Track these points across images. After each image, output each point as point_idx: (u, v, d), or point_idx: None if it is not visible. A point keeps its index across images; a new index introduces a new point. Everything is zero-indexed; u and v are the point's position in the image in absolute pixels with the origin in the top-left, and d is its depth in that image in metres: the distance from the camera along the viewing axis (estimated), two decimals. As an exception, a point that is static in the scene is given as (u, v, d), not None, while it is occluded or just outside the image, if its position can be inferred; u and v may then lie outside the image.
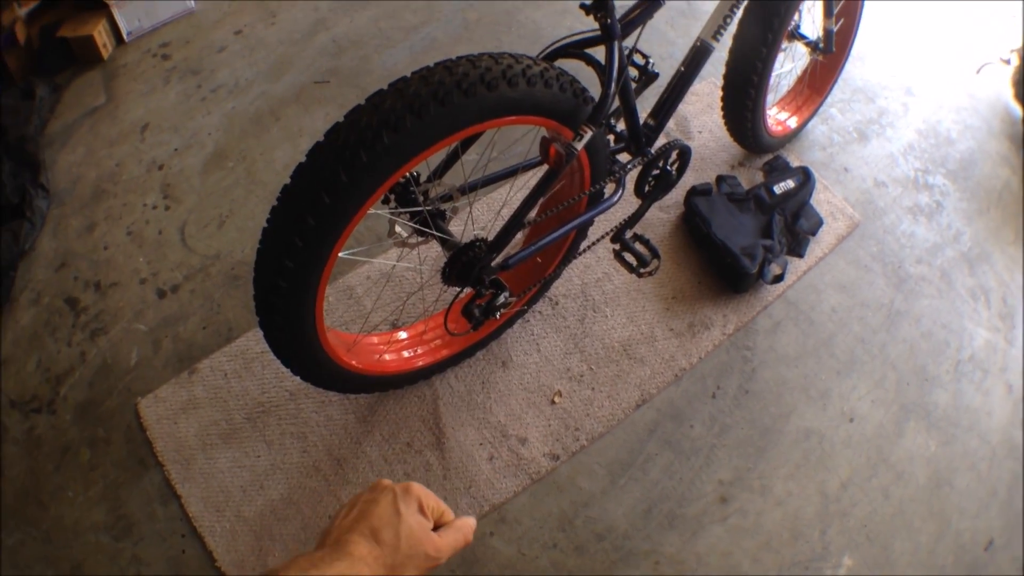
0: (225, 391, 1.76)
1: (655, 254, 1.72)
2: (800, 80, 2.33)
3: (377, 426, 1.73)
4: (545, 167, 1.38)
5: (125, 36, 2.38)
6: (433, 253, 1.94)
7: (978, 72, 2.76)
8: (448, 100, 1.12)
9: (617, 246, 1.74)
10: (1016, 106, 2.67)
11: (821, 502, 1.78)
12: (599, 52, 1.38)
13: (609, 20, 1.30)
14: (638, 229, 2.04)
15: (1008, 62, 2.68)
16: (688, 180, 2.17)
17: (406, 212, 1.39)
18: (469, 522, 0.77)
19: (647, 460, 1.76)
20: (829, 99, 2.42)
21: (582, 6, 1.31)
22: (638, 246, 1.73)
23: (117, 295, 1.88)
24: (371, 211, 1.25)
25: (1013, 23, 2.87)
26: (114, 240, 1.98)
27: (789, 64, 2.24)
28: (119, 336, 1.82)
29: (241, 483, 1.65)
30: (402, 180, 1.34)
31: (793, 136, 2.35)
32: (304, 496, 1.64)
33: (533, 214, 1.48)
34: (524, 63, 1.21)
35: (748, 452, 1.81)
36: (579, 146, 1.31)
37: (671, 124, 2.36)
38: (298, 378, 1.47)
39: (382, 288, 1.91)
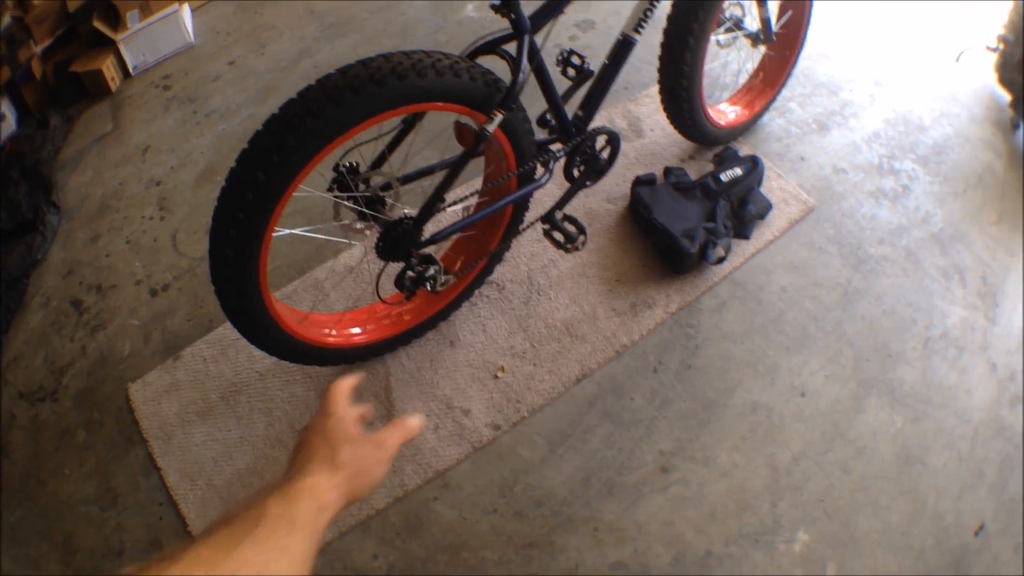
0: (203, 374, 2.05)
1: (582, 231, 1.95)
2: (753, 75, 2.53)
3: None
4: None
5: (131, 70, 2.81)
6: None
7: (957, 60, 2.88)
8: (362, 89, 1.39)
9: (547, 226, 1.97)
10: (1002, 91, 2.77)
11: (770, 475, 1.89)
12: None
13: (515, 16, 1.55)
14: (581, 216, 2.29)
15: (993, 49, 2.79)
16: (637, 172, 2.39)
17: (341, 198, 1.65)
18: (410, 420, 0.90)
19: (586, 431, 1.94)
20: (788, 93, 2.62)
21: (492, 6, 1.56)
22: (566, 225, 1.96)
23: (115, 295, 2.22)
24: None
25: (997, 10, 2.96)
26: (115, 248, 2.34)
27: (740, 61, 2.45)
28: (115, 331, 2.15)
29: (213, 455, 1.92)
30: (343, 169, 1.60)
31: (744, 128, 2.54)
32: (267, 465, 1.90)
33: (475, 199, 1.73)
34: (435, 57, 1.47)
35: (690, 424, 1.96)
36: (491, 128, 1.56)
37: (623, 123, 2.60)
38: (264, 356, 1.74)
39: (342, 278, 2.19)
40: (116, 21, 2.77)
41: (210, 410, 1.99)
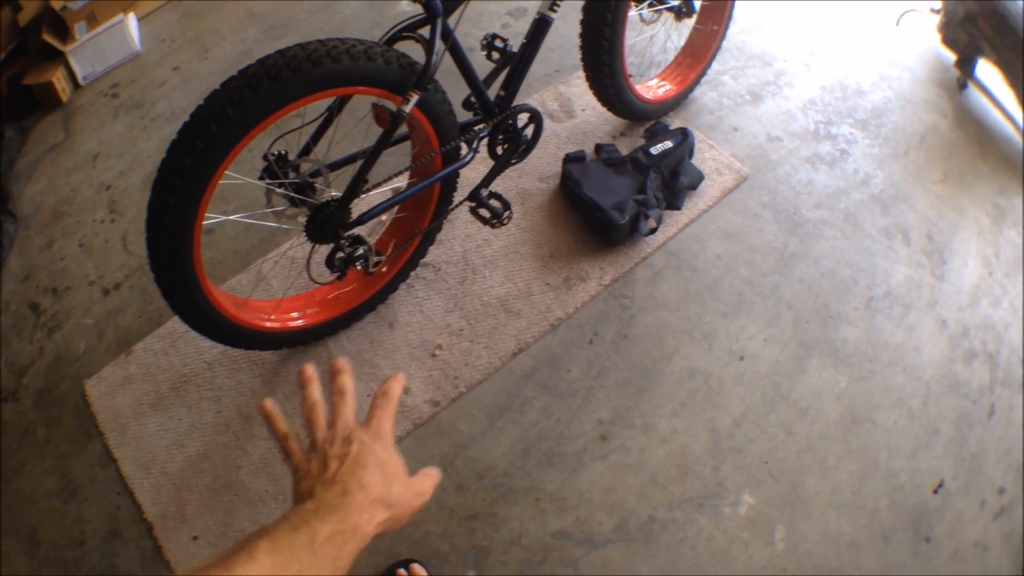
0: (155, 367, 2.13)
1: (507, 206, 2.03)
2: (681, 50, 2.60)
3: (279, 385, 2.06)
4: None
5: (81, 80, 2.90)
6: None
7: (898, 24, 2.94)
8: (279, 76, 1.47)
9: (473, 203, 2.05)
10: (946, 52, 2.82)
11: (711, 439, 1.96)
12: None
13: (426, 0, 1.63)
14: (514, 195, 2.37)
15: (936, 10, 2.84)
16: (569, 151, 2.46)
17: (273, 185, 1.72)
18: (433, 472, 0.84)
19: (524, 403, 2.01)
20: (721, 67, 2.69)
21: None
22: (492, 201, 2.03)
23: (70, 297, 2.30)
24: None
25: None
26: (69, 252, 2.42)
27: (672, 36, 2.51)
28: (71, 330, 2.23)
29: (166, 444, 2.00)
30: (273, 156, 1.68)
31: (674, 103, 2.61)
32: (217, 451, 1.97)
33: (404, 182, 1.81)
34: (349, 43, 1.55)
35: (628, 392, 2.03)
36: (407, 108, 1.63)
37: (555, 105, 2.67)
38: (212, 346, 1.82)
39: (287, 268, 2.25)
40: (65, 33, 2.85)
41: (161, 401, 2.07)
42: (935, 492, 1.94)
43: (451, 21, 1.72)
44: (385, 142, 1.69)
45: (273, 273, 2.25)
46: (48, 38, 2.81)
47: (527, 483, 1.89)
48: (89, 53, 2.88)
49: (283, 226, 1.82)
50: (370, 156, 1.70)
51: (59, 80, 2.81)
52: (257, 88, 1.46)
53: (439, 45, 1.66)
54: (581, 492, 1.88)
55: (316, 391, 0.87)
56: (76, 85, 2.92)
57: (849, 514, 1.88)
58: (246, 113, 1.47)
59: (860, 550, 1.84)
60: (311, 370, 0.89)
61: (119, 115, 2.82)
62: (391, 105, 1.67)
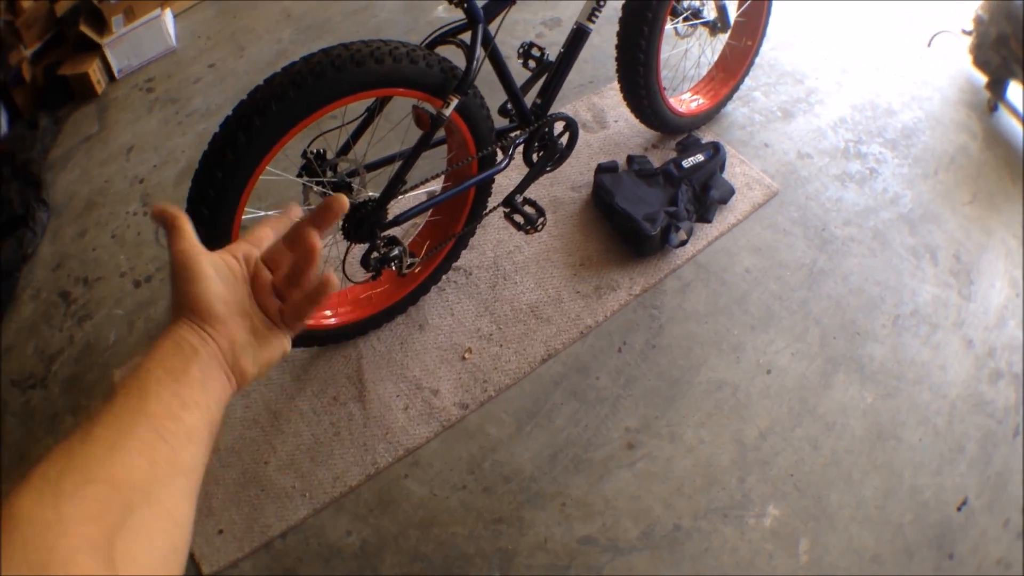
0: (183, 359, 2.16)
1: (541, 213, 2.06)
2: (715, 65, 2.64)
3: (308, 383, 2.08)
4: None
5: (116, 73, 2.95)
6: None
7: (929, 45, 2.97)
8: (323, 75, 1.50)
9: (507, 209, 2.08)
10: (977, 73, 2.85)
11: (737, 450, 1.97)
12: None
13: (468, 5, 1.67)
14: (546, 203, 2.39)
15: (969, 32, 2.88)
16: (600, 161, 2.49)
17: (312, 183, 1.75)
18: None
19: (552, 409, 2.03)
20: (752, 83, 2.73)
21: None
22: (526, 208, 2.07)
23: (101, 287, 2.34)
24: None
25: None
26: (101, 243, 2.46)
27: (705, 51, 2.55)
28: (101, 320, 2.26)
29: (192, 435, 2.03)
30: (311, 155, 1.71)
31: (707, 117, 2.64)
32: (244, 445, 2.00)
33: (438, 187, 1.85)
34: (392, 45, 1.58)
35: (656, 401, 2.04)
36: (447, 112, 1.67)
37: (588, 115, 2.70)
38: None
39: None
40: (102, 26, 2.91)
41: (189, 393, 2.10)
42: (959, 509, 1.95)
43: (491, 28, 1.76)
44: (424, 144, 1.73)
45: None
46: (85, 29, 2.86)
47: (554, 488, 1.90)
48: (125, 46, 2.93)
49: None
50: (409, 157, 1.74)
51: (95, 72, 2.86)
52: (301, 85, 1.49)
53: (480, 51, 1.71)
54: (607, 499, 1.89)
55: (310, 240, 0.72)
56: (111, 78, 2.97)
57: (873, 529, 1.89)
58: (290, 109, 1.51)
59: (883, 565, 1.85)
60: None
61: (154, 109, 2.86)
62: (431, 108, 1.72)
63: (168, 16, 3.08)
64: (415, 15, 3.18)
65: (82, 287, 2.34)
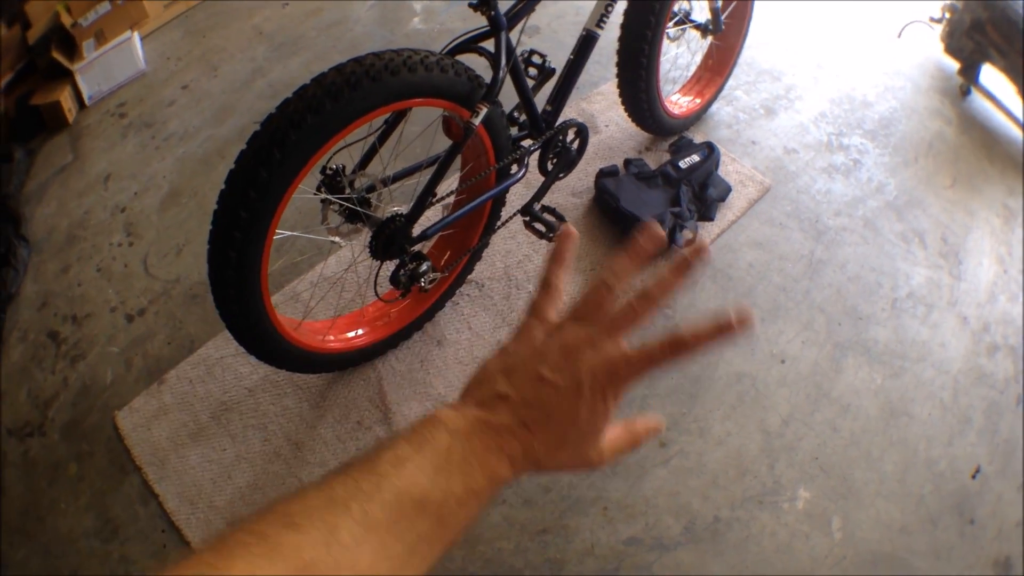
0: (191, 396, 2.10)
1: (561, 219, 2.09)
2: (701, 65, 2.72)
3: (329, 410, 2.05)
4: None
5: (87, 100, 2.85)
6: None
7: (899, 36, 3.15)
8: (358, 85, 1.48)
9: (527, 218, 2.11)
10: (948, 60, 3.04)
11: (763, 439, 2.04)
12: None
13: (494, 13, 1.67)
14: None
15: (938, 20, 3.06)
16: (598, 167, 2.54)
17: (336, 200, 1.71)
18: (645, 424, 0.69)
19: (582, 414, 2.05)
20: (733, 83, 2.83)
21: (470, 5, 1.67)
22: (545, 215, 2.09)
23: (92, 324, 2.25)
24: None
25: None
26: (86, 277, 2.36)
27: (688, 53, 2.64)
28: (95, 359, 2.18)
29: (211, 476, 1.96)
30: (330, 171, 1.68)
31: (696, 118, 2.72)
32: (268, 480, 1.95)
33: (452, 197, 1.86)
34: (422, 54, 1.57)
35: (680, 399, 2.09)
36: (476, 122, 1.67)
37: (581, 120, 2.74)
38: (252, 371, 1.80)
39: (326, 291, 2.26)
40: (73, 51, 2.83)
41: (202, 431, 2.04)
42: (973, 477, 2.07)
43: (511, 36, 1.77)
44: (455, 154, 1.73)
45: (308, 293, 2.25)
46: (57, 56, 2.77)
47: (593, 493, 1.93)
48: (96, 71, 2.85)
49: (339, 242, 1.85)
50: (438, 169, 1.73)
51: (66, 100, 2.76)
52: (337, 96, 1.46)
53: (504, 59, 1.73)
54: (647, 498, 1.93)
55: (629, 271, 0.66)
56: (81, 105, 2.87)
57: (897, 501, 1.99)
58: (325, 122, 1.48)
59: (911, 534, 1.95)
60: (573, 240, 0.71)
61: (128, 135, 2.78)
62: (459, 118, 1.72)
63: (136, 39, 3.00)
64: (391, 27, 3.18)
65: (71, 325, 2.26)
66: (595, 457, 0.63)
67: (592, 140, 2.67)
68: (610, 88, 2.82)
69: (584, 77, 2.85)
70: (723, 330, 0.61)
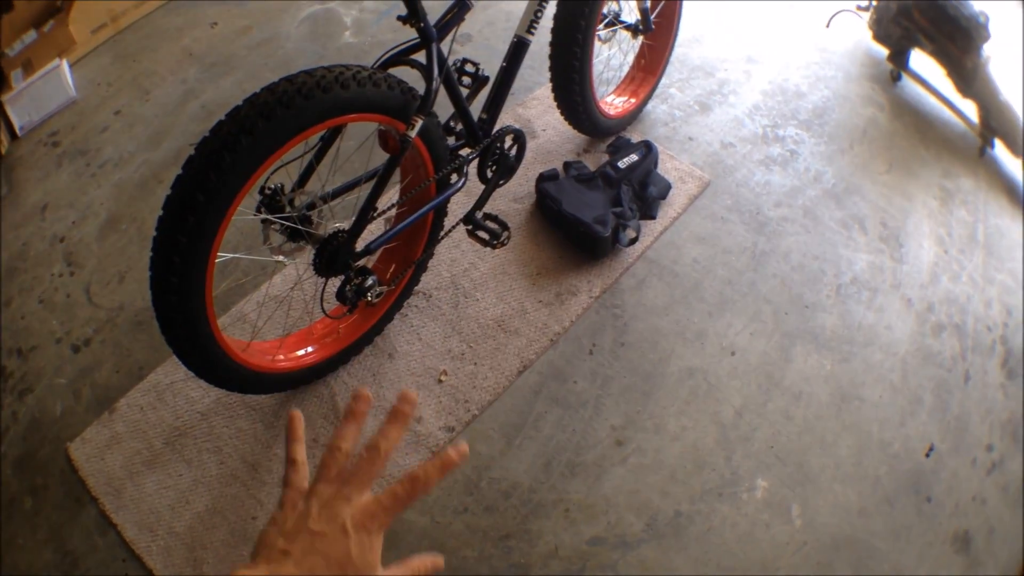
0: (143, 423, 2.09)
1: (504, 227, 2.12)
2: (634, 65, 2.78)
3: (283, 429, 2.02)
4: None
5: (18, 131, 2.81)
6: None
7: (828, 25, 3.25)
8: (291, 104, 1.49)
9: (470, 226, 2.14)
10: (877, 47, 3.14)
11: (718, 432, 2.10)
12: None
13: (423, 25, 1.69)
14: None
15: (864, 8, 3.16)
16: (538, 171, 2.58)
17: (276, 219, 1.71)
18: (423, 561, 0.79)
19: (538, 419, 2.08)
20: (667, 80, 2.90)
21: (399, 18, 1.69)
22: (488, 223, 2.13)
23: (37, 357, 2.22)
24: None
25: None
26: (29, 309, 2.34)
27: (620, 54, 2.69)
28: (43, 392, 2.15)
29: (168, 502, 1.95)
30: (269, 191, 1.69)
31: (632, 117, 2.78)
32: (227, 503, 1.95)
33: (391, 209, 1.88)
34: (354, 70, 1.59)
35: (634, 397, 2.14)
36: (412, 134, 1.69)
37: (518, 126, 2.79)
38: (204, 395, 1.80)
39: (273, 310, 2.26)
40: (1, 82, 2.79)
41: (156, 458, 2.03)
42: (927, 455, 2.14)
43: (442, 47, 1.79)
44: (393, 168, 1.74)
45: (256, 313, 2.25)
46: (-14, 88, 2.73)
47: (554, 496, 1.96)
48: (26, 101, 2.81)
49: (284, 260, 1.86)
50: (377, 184, 1.75)
51: (-2, 132, 2.74)
52: (270, 116, 1.48)
53: (436, 70, 1.76)
54: (607, 497, 1.97)
55: (353, 435, 0.80)
56: (13, 136, 2.83)
57: (854, 485, 2.06)
58: (260, 142, 1.49)
59: (869, 516, 2.01)
60: (364, 404, 0.82)
61: (63, 164, 2.74)
62: (395, 131, 1.74)
63: (65, 66, 2.96)
64: (322, 42, 3.19)
65: (16, 359, 2.23)
66: None
67: (530, 145, 2.72)
68: (545, 93, 2.86)
69: (519, 83, 2.89)
70: (447, 465, 0.77)
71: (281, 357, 2.00)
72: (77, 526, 1.93)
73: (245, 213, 1.63)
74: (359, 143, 1.83)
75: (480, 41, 3.18)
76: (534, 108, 2.89)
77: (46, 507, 1.97)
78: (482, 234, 2.13)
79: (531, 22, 2.04)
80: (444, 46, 1.79)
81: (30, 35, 2.91)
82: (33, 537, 1.93)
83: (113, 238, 2.51)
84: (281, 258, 1.82)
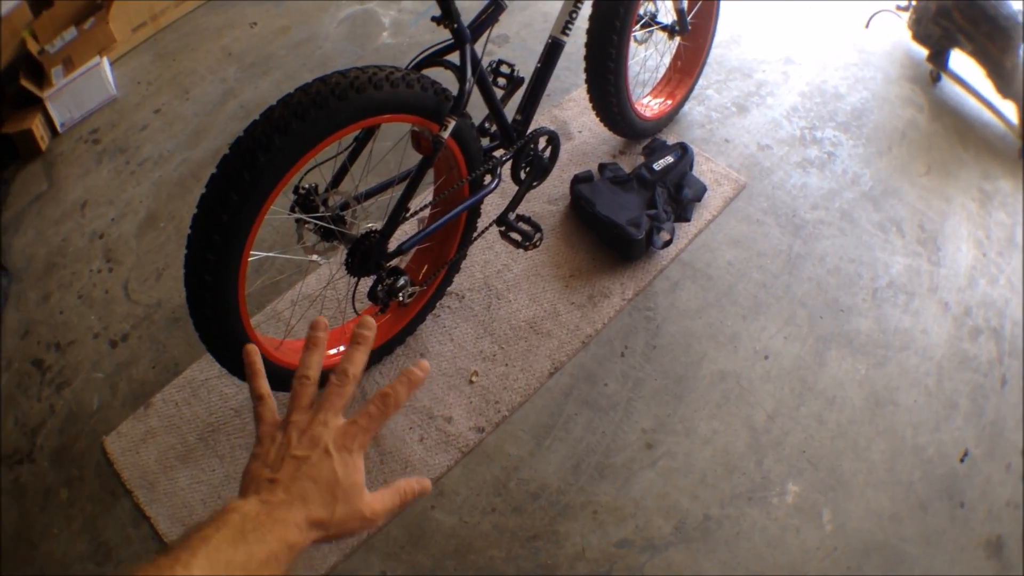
0: (178, 418, 2.13)
1: (537, 228, 2.13)
2: (670, 66, 2.76)
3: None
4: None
5: (59, 127, 2.88)
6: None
7: (867, 26, 3.21)
8: (325, 104, 1.51)
9: (502, 228, 2.15)
10: (917, 47, 3.10)
11: (750, 436, 2.09)
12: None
13: (457, 26, 1.70)
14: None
15: (904, 8, 3.12)
16: (572, 172, 2.57)
17: (310, 219, 1.74)
18: (409, 484, 0.81)
19: (568, 420, 2.09)
20: (704, 82, 2.88)
21: (433, 19, 1.71)
22: (521, 224, 2.13)
23: (75, 351, 2.28)
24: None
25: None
26: (68, 304, 2.39)
27: (656, 55, 2.68)
28: (81, 386, 2.21)
29: (201, 496, 1.99)
30: (303, 191, 1.72)
31: (668, 119, 2.77)
32: (259, 498, 2.00)
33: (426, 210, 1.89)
34: (387, 71, 1.60)
35: (665, 400, 2.14)
36: (445, 135, 1.70)
37: (552, 128, 2.77)
38: (237, 392, 1.82)
39: (306, 308, 2.29)
40: (42, 79, 2.85)
41: (190, 453, 2.07)
42: (961, 461, 2.11)
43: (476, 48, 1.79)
44: (426, 168, 1.75)
45: (290, 312, 2.28)
46: (26, 83, 2.79)
47: (582, 498, 1.97)
48: (67, 98, 2.87)
49: (318, 260, 1.88)
50: (411, 183, 1.76)
51: (38, 127, 2.78)
52: (304, 116, 1.49)
53: (470, 71, 1.77)
54: (636, 500, 1.97)
55: (318, 363, 0.83)
56: (54, 133, 2.90)
57: (886, 490, 2.03)
58: (293, 142, 1.51)
59: (901, 521, 1.99)
60: (323, 331, 0.86)
61: (103, 161, 2.81)
62: (428, 132, 1.75)
63: (106, 64, 3.02)
64: (360, 43, 3.22)
65: (55, 353, 2.29)
66: (368, 512, 0.76)
67: (566, 146, 2.72)
68: (582, 94, 2.85)
69: (556, 84, 2.91)
70: (413, 382, 0.81)
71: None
72: (111, 518, 1.98)
73: (280, 212, 1.66)
74: (394, 143, 1.84)
75: (517, 42, 3.19)
76: (570, 109, 2.89)
77: (81, 499, 2.02)
78: (514, 235, 2.14)
79: (566, 23, 2.04)
80: (480, 47, 1.80)
81: (70, 32, 2.97)
82: (68, 528, 1.97)
83: (151, 235, 2.56)
84: (315, 257, 1.84)
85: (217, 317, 1.64)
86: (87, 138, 2.92)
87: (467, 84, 1.72)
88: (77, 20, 3.05)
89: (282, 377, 1.93)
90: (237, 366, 1.79)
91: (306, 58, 3.16)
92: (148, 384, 2.19)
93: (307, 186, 1.72)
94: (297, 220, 1.73)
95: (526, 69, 2.06)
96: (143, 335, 2.30)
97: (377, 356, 2.17)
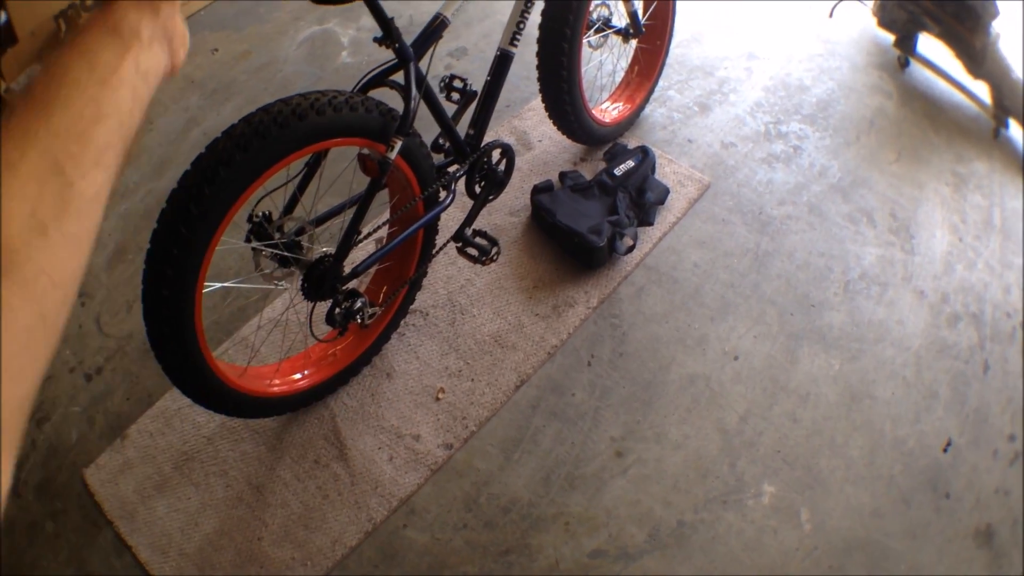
0: (153, 448, 2.15)
1: (494, 243, 2.13)
2: (628, 70, 2.76)
3: (286, 451, 2.11)
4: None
5: (26, 166, 2.92)
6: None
7: (831, 15, 3.19)
8: (267, 134, 1.54)
9: (459, 244, 2.16)
10: (883, 34, 3.09)
11: (722, 438, 2.09)
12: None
13: (399, 46, 1.73)
14: (488, 230, 2.46)
15: None
16: (533, 183, 2.58)
17: (264, 247, 1.77)
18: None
19: (536, 433, 2.10)
20: (665, 83, 2.88)
21: (374, 39, 1.74)
22: (478, 239, 2.15)
23: (53, 386, 2.31)
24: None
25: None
26: (41, 341, 2.43)
27: (612, 60, 2.68)
28: (60, 420, 2.23)
29: (179, 524, 2.01)
30: (257, 219, 1.74)
31: (629, 123, 2.77)
32: (234, 525, 2.00)
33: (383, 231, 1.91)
34: (330, 95, 1.63)
35: (634, 407, 2.14)
36: (392, 155, 1.72)
37: (511, 139, 2.80)
38: (209, 420, 1.87)
39: (269, 332, 2.31)
40: (4, 118, 2.86)
41: (166, 482, 2.09)
42: (945, 451, 2.10)
43: (421, 66, 1.81)
44: (374, 191, 1.78)
45: (257, 337, 2.30)
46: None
47: (554, 509, 1.97)
48: (32, 136, 2.90)
49: (278, 286, 1.90)
50: (360, 207, 1.78)
51: (3, 168, 2.81)
52: (247, 147, 1.52)
53: (415, 90, 1.77)
54: (608, 509, 1.97)
55: None
56: (21, 171, 2.93)
57: (866, 485, 2.03)
58: (239, 173, 1.53)
59: (883, 517, 1.99)
60: None
61: (70, 196, 2.83)
62: (375, 154, 1.77)
63: (70, 98, 3.05)
64: (320, 64, 3.23)
65: (32, 390, 2.33)
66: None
67: (526, 156, 2.73)
68: (540, 103, 2.86)
69: (515, 94, 2.92)
70: None
71: (277, 382, 2.04)
72: (95, 548, 2.01)
73: (233, 242, 1.69)
74: (347, 164, 1.86)
75: (476, 54, 3.19)
76: (530, 119, 2.90)
77: (66, 530, 2.05)
78: (471, 251, 2.15)
79: (514, 34, 2.05)
80: (428, 62, 1.83)
81: (34, 68, 2.99)
82: (55, 559, 2.00)
83: (121, 268, 2.58)
84: (275, 284, 1.87)
85: (176, 350, 1.67)
86: (53, 172, 2.94)
87: (412, 103, 1.74)
88: (41, 56, 3.07)
89: (247, 405, 1.98)
90: (200, 397, 1.82)
91: (267, 82, 3.18)
92: (123, 416, 2.22)
93: (261, 214, 1.74)
94: (253, 249, 1.76)
95: (484, 81, 2.08)
96: (116, 367, 2.33)
97: (344, 377, 2.18)
